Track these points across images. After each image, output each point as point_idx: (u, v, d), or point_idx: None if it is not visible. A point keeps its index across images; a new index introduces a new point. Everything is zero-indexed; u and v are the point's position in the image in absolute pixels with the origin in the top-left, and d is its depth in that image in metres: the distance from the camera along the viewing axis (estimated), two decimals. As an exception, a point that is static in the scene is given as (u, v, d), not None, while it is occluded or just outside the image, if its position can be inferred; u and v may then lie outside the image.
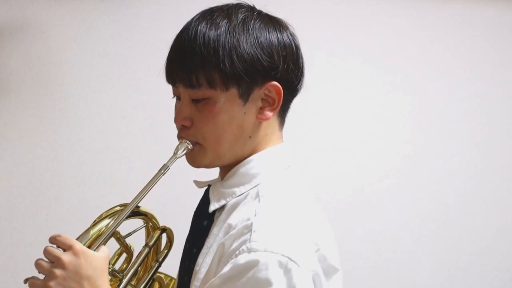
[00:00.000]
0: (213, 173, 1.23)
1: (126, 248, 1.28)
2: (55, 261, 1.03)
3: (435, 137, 2.54)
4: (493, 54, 2.58)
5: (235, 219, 1.07)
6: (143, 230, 1.31)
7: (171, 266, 1.34)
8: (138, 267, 1.26)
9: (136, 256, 1.27)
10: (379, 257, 2.49)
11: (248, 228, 1.02)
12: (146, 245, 1.27)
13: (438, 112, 2.54)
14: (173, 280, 1.35)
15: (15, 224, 2.20)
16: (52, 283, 1.01)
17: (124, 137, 2.26)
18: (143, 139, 2.26)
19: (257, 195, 1.09)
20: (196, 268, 1.10)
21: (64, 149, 2.23)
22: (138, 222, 1.29)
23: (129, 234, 1.24)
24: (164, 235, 1.30)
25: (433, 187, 2.53)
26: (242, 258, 0.99)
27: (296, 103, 1.20)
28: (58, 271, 1.02)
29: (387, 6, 2.48)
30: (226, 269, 1.00)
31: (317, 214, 1.14)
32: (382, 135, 2.49)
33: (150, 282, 1.28)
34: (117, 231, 1.22)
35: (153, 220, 1.29)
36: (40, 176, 2.21)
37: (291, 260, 0.99)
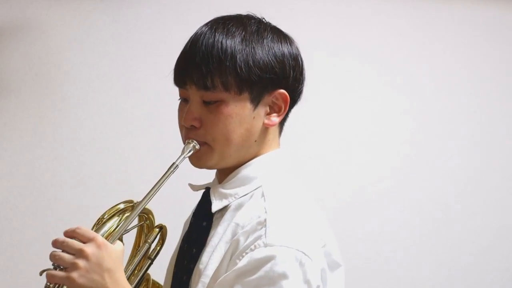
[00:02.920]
0: (208, 177, 1.26)
1: None
2: (76, 253, 1.01)
3: (435, 137, 2.53)
4: (493, 54, 2.58)
5: (243, 218, 1.10)
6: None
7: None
8: (138, 263, 1.26)
9: (136, 252, 1.27)
10: (379, 257, 2.49)
11: (262, 224, 1.06)
12: (146, 241, 1.28)
13: (438, 112, 2.54)
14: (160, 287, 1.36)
15: (15, 224, 2.19)
16: (75, 274, 1.00)
17: (124, 137, 2.26)
18: (143, 139, 2.26)
19: (262, 195, 1.13)
20: (201, 266, 1.12)
21: (64, 149, 2.23)
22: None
23: (126, 231, 1.24)
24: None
25: (433, 187, 2.53)
26: (259, 253, 1.03)
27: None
28: (81, 262, 1.00)
29: (387, 6, 2.48)
30: (242, 263, 1.03)
31: (319, 213, 1.18)
32: (382, 135, 2.49)
33: (141, 280, 1.28)
34: None
35: (151, 217, 1.29)
36: (40, 176, 2.21)
37: (305, 254, 1.04)
